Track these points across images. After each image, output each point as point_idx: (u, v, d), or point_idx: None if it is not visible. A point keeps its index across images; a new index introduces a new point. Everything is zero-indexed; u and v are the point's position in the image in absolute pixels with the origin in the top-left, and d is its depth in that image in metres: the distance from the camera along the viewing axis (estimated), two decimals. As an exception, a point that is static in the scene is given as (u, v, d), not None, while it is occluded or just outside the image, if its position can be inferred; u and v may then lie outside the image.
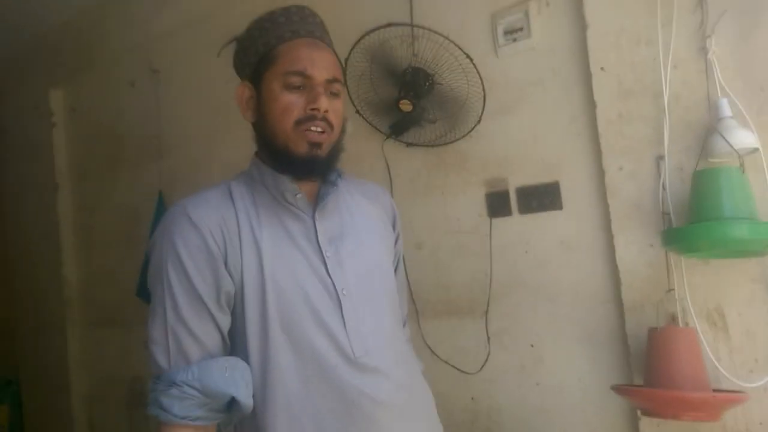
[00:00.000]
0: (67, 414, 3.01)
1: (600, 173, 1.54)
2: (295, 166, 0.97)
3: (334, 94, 0.99)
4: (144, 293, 2.42)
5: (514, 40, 1.66)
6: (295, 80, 0.95)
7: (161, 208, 2.50)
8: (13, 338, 3.45)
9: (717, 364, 1.35)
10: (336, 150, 1.02)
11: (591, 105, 1.55)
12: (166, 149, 2.60)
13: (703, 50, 1.39)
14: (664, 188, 1.43)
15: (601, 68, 1.52)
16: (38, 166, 3.20)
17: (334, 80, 0.98)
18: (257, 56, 1.00)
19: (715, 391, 1.30)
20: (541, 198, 1.64)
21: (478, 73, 1.63)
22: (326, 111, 0.95)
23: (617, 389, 1.40)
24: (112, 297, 2.85)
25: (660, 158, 1.44)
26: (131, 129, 2.77)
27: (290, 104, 0.95)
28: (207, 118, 2.44)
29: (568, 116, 1.62)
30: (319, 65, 0.96)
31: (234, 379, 0.89)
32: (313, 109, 0.94)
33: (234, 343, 0.96)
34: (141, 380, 2.69)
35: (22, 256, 3.39)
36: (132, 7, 2.74)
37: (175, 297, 0.90)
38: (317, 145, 0.95)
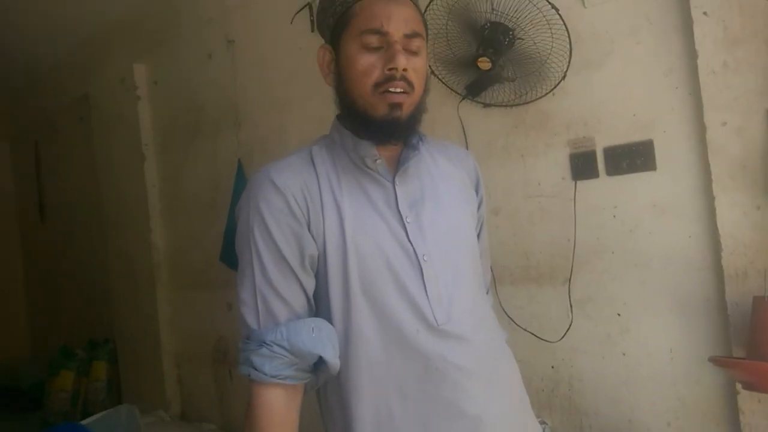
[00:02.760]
0: (158, 370, 3.23)
1: (701, 129, 1.42)
2: (375, 130, 0.94)
3: (414, 51, 0.93)
4: (227, 258, 2.51)
5: (604, -13, 1.54)
6: (372, 39, 0.91)
7: (240, 176, 2.57)
8: (109, 300, 3.72)
9: (834, 337, 1.23)
10: (418, 111, 0.97)
11: (691, 54, 1.42)
12: (244, 119, 2.67)
13: (829, -14, 1.23)
14: (774, 144, 1.30)
15: (704, 13, 1.38)
16: (126, 138, 3.38)
17: (414, 35, 0.93)
18: (335, 17, 0.97)
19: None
20: (632, 158, 1.54)
21: (564, 24, 1.53)
22: (405, 70, 0.90)
23: (716, 360, 1.32)
24: (198, 262, 2.99)
25: (771, 111, 1.31)
26: (210, 100, 2.86)
27: (368, 66, 0.91)
28: (281, 86, 2.47)
29: (663, 68, 1.49)
30: (397, 19, 0.91)
31: (321, 339, 0.89)
32: (391, 69, 0.90)
33: (318, 306, 0.96)
34: (225, 340, 2.83)
35: (113, 223, 3.61)
36: (208, -22, 2.79)
37: (263, 260, 0.91)
38: (397, 106, 0.91)
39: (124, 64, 3.32)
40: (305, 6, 2.27)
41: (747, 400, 1.37)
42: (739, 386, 1.36)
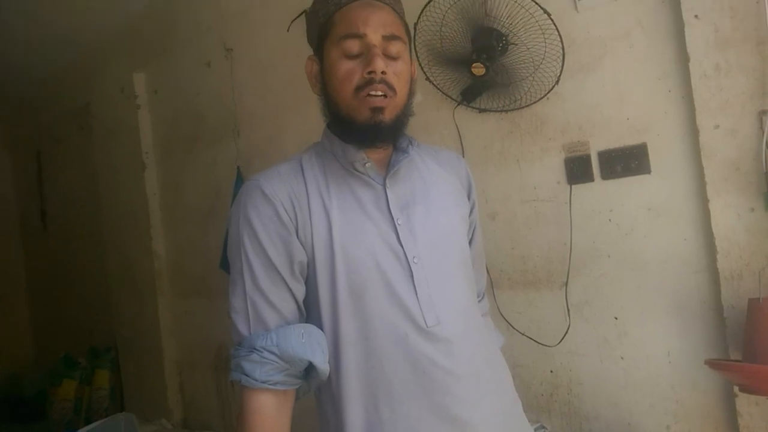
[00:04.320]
0: (160, 377, 3.23)
1: (693, 132, 1.42)
2: (359, 134, 0.95)
3: (394, 54, 0.94)
4: (227, 265, 2.51)
5: (596, -8, 1.55)
6: (351, 45, 0.92)
7: (240, 183, 2.58)
8: (110, 309, 3.73)
9: (830, 339, 1.23)
10: (403, 115, 0.98)
11: (683, 58, 1.42)
12: (242, 126, 2.68)
13: (818, -12, 1.24)
14: (767, 146, 1.30)
15: (695, 16, 1.39)
16: (126, 147, 3.39)
17: (393, 37, 0.93)
18: (319, 28, 0.98)
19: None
20: (627, 161, 1.54)
21: (556, 29, 1.54)
22: (384, 73, 0.91)
23: (712, 364, 1.31)
24: (198, 269, 3.00)
25: (763, 113, 1.31)
26: (209, 108, 2.88)
27: (348, 72, 0.92)
28: (280, 93, 2.48)
29: (657, 72, 1.50)
30: (374, 23, 0.92)
31: (310, 345, 0.90)
32: (369, 72, 0.91)
33: (309, 311, 0.97)
34: (226, 347, 2.84)
35: (115, 232, 3.63)
36: (205, -12, 2.81)
37: (253, 267, 0.93)
38: (379, 110, 0.92)
39: (124, 73, 3.35)
40: (301, 13, 2.28)
41: (744, 402, 1.37)
42: (736, 389, 1.35)
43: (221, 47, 2.74)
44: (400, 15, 0.99)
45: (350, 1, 0.94)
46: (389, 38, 0.94)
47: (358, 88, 0.92)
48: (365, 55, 0.92)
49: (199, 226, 3.00)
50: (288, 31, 2.35)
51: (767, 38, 1.29)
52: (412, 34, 1.74)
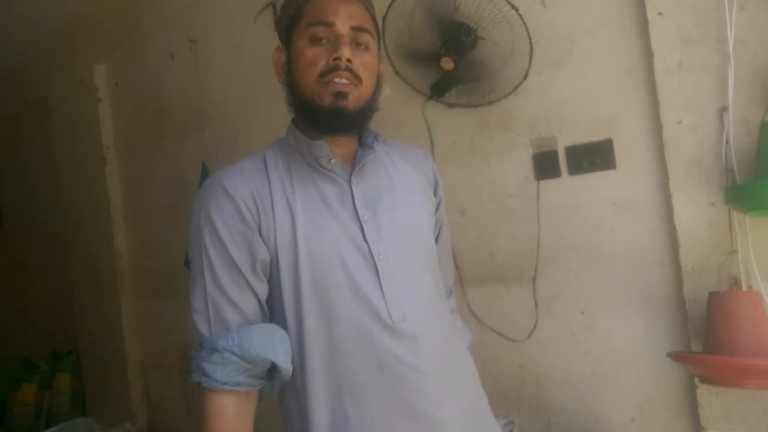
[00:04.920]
0: (124, 381, 3.14)
1: (657, 128, 1.44)
2: (322, 120, 0.93)
3: (361, 46, 0.94)
4: (189, 255, 2.46)
5: (563, -12, 1.56)
6: (318, 30, 0.92)
7: (205, 178, 2.51)
8: (72, 310, 3.60)
9: (786, 330, 1.26)
10: (368, 107, 0.97)
11: (648, 54, 1.44)
12: (208, 120, 2.62)
13: (776, -12, 1.26)
14: (727, 142, 1.33)
15: (659, 13, 1.41)
16: (86, 141, 3.28)
17: (361, 29, 0.94)
18: (288, 18, 0.98)
19: (782, 357, 1.22)
20: (593, 157, 1.56)
21: (524, 24, 1.54)
22: (350, 61, 0.91)
23: (674, 356, 1.33)
24: (163, 267, 2.93)
25: (723, 110, 1.34)
26: (173, 101, 2.80)
27: (314, 57, 0.92)
28: (246, 86, 2.43)
29: (622, 68, 1.52)
30: (343, 14, 0.92)
31: (272, 345, 0.88)
32: (335, 59, 0.90)
33: (273, 311, 0.95)
34: (192, 348, 2.77)
35: (75, 229, 3.51)
36: (169, -23, 2.73)
37: (213, 266, 0.91)
38: (342, 95, 0.91)
39: (84, 65, 3.23)
40: (268, 5, 2.24)
41: (705, 393, 1.40)
42: (697, 380, 1.38)
43: (185, 39, 2.67)
44: (370, 11, 0.99)
45: None
46: (357, 29, 0.93)
47: (322, 74, 0.91)
48: (332, 43, 0.92)
49: (163, 223, 2.92)
50: (255, 22, 2.31)
51: (727, 37, 1.31)
52: (381, 29, 1.73)
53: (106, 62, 3.18)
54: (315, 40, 0.92)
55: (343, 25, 0.92)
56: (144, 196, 3.06)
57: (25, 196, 4.20)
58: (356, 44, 0.93)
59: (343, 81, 0.91)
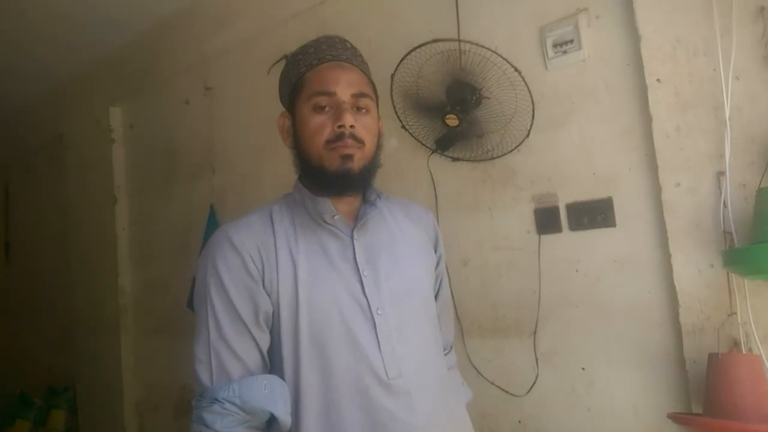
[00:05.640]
0: (119, 420, 3.10)
1: (656, 189, 1.47)
2: (330, 183, 0.98)
3: (362, 109, 1.00)
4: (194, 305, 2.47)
5: (564, 52, 1.62)
6: (321, 100, 0.98)
7: (212, 221, 2.56)
8: (71, 346, 3.59)
9: (786, 395, 1.26)
10: (372, 165, 1.02)
11: (646, 118, 1.49)
12: (218, 164, 2.68)
13: (767, 60, 1.32)
14: (725, 206, 1.36)
15: (657, 80, 1.46)
16: (98, 180, 3.35)
17: (361, 95, 1.00)
18: (291, 86, 1.04)
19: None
20: (593, 214, 1.59)
21: (526, 85, 1.60)
22: (352, 126, 0.96)
23: (674, 417, 1.32)
24: (165, 307, 2.93)
25: (721, 174, 1.37)
26: (185, 145, 2.87)
27: (319, 125, 0.97)
28: (257, 134, 2.50)
29: (621, 130, 1.56)
30: (343, 82, 0.99)
31: (273, 396, 0.89)
32: (339, 127, 0.96)
33: (272, 362, 0.97)
34: (190, 389, 2.74)
35: (81, 266, 3.53)
36: (188, 28, 2.85)
37: (218, 317, 0.94)
38: (348, 157, 0.96)
39: (101, 106, 3.34)
40: (282, 58, 2.33)
41: (707, 456, 1.38)
42: (699, 443, 1.36)
43: (201, 86, 2.76)
44: (367, 74, 1.06)
45: (321, 62, 1.00)
46: (358, 95, 0.99)
47: (329, 141, 0.97)
48: (335, 111, 0.97)
49: (169, 263, 2.95)
50: (268, 74, 2.39)
51: (723, 104, 1.36)
52: (390, 85, 1.80)
53: (122, 105, 3.28)
54: (318, 109, 0.98)
55: (344, 93, 0.98)
56: (151, 236, 3.09)
57: (34, 231, 4.25)
58: (357, 108, 0.99)
59: (348, 145, 0.96)
